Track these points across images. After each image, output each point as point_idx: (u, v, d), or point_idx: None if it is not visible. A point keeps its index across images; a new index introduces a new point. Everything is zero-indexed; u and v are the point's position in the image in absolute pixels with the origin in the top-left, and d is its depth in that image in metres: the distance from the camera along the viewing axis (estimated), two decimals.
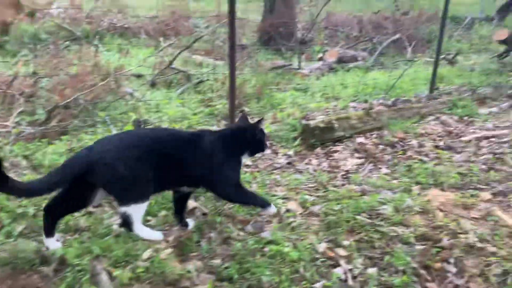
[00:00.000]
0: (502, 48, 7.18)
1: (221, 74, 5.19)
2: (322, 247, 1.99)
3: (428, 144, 3.52)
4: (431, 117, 4.37)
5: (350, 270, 1.85)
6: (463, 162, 3.12)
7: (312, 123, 3.71)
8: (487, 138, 3.67)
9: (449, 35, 9.09)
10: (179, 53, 5.35)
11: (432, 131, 3.95)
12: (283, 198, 2.48)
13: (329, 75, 6.33)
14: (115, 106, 4.04)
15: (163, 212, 2.25)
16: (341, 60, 7.21)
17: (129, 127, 3.52)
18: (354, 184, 2.73)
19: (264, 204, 2.08)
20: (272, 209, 2.09)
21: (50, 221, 1.85)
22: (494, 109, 4.70)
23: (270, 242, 1.97)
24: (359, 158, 3.27)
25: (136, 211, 1.86)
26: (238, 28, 8.59)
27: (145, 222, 2.13)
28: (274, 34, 8.04)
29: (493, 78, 5.98)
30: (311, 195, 2.54)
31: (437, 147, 3.49)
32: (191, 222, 2.11)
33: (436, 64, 5.14)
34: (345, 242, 2.03)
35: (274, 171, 2.99)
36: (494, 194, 2.53)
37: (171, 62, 5.22)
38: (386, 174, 2.90)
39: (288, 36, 8.27)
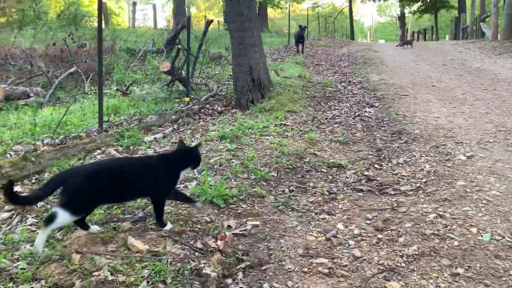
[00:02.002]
0: (170, 77, 8.14)
1: None
2: None
3: None
4: (98, 151, 4.46)
5: None
6: None
7: None
8: None
9: (126, 66, 9.67)
10: None
11: None
12: None
13: None
14: None
15: None
16: (9, 98, 6.54)
17: None
18: None
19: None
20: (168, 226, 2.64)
21: (78, 222, 2.44)
22: (159, 135, 5.21)
23: None
24: (8, 211, 2.97)
25: (65, 219, 2.28)
26: None
27: None
28: None
29: (161, 106, 6.67)
30: None
31: None
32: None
33: (101, 97, 5.27)
34: None
35: None
36: (135, 222, 2.75)
37: None
38: (31, 224, 2.72)
39: None
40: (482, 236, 2.58)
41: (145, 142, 4.89)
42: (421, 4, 32.84)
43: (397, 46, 15.31)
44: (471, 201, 3.08)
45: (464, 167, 3.79)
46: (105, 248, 2.40)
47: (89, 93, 7.30)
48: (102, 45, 5.31)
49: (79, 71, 8.16)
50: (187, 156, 2.70)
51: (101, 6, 5.12)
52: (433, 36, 31.51)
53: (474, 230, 2.66)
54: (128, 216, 2.84)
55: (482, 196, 3.15)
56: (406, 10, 36.52)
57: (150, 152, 4.50)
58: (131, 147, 4.67)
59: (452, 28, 26.40)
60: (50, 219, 2.22)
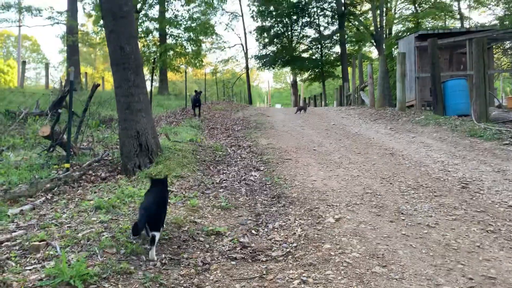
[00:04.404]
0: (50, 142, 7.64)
1: None
2: None
3: None
4: None
5: None
6: None
7: None
8: (0, 243, 3.59)
9: (2, 130, 8.91)
10: None
11: None
12: None
13: None
14: None
15: None
16: None
17: None
18: None
19: None
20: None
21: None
22: (27, 207, 4.76)
23: None
24: None
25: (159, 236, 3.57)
26: None
27: None
28: None
29: (36, 173, 6.16)
30: None
31: None
32: None
33: None
34: None
35: None
36: None
37: None
38: None
39: None
40: None
41: (9, 215, 4.43)
42: (311, 73, 36.03)
43: (295, 113, 16.35)
44: (333, 264, 3.24)
45: (332, 229, 4.01)
46: None
47: None
48: None
49: None
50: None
51: None
52: (322, 102, 34.44)
53: None
54: None
55: (343, 258, 3.33)
56: (298, 78, 39.75)
57: (12, 227, 4.07)
58: None
59: (338, 96, 29.14)
60: (153, 239, 3.42)
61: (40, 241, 3.54)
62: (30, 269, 3.07)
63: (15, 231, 3.95)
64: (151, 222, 3.47)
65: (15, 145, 8.19)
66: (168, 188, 4.30)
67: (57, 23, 22.18)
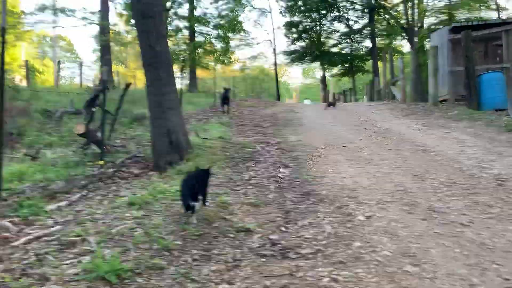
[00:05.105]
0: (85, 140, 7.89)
1: None
2: None
3: None
4: None
5: None
6: None
7: None
8: (39, 238, 3.75)
9: (40, 128, 9.28)
10: None
11: None
12: None
13: None
14: None
15: None
16: None
17: None
18: None
19: None
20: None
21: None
22: (63, 203, 4.94)
23: None
24: None
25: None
26: None
27: None
28: None
29: (72, 170, 6.38)
30: None
31: None
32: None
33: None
34: None
35: None
36: None
37: None
38: None
39: None
40: None
41: (47, 211, 4.61)
42: (340, 68, 35.62)
43: (324, 109, 16.26)
44: (364, 263, 3.22)
45: (362, 227, 3.98)
46: None
47: None
48: (2, 104, 5.07)
49: None
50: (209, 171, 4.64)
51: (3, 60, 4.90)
52: (352, 98, 34.01)
53: None
54: None
55: (374, 257, 3.30)
56: (327, 73, 39.37)
57: (49, 222, 4.24)
58: (30, 218, 4.37)
59: (368, 91, 28.69)
60: (193, 208, 4.10)
61: (76, 237, 3.68)
62: (67, 264, 3.19)
63: (53, 227, 4.11)
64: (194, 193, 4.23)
65: (52, 143, 8.50)
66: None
67: (90, 23, 22.79)
